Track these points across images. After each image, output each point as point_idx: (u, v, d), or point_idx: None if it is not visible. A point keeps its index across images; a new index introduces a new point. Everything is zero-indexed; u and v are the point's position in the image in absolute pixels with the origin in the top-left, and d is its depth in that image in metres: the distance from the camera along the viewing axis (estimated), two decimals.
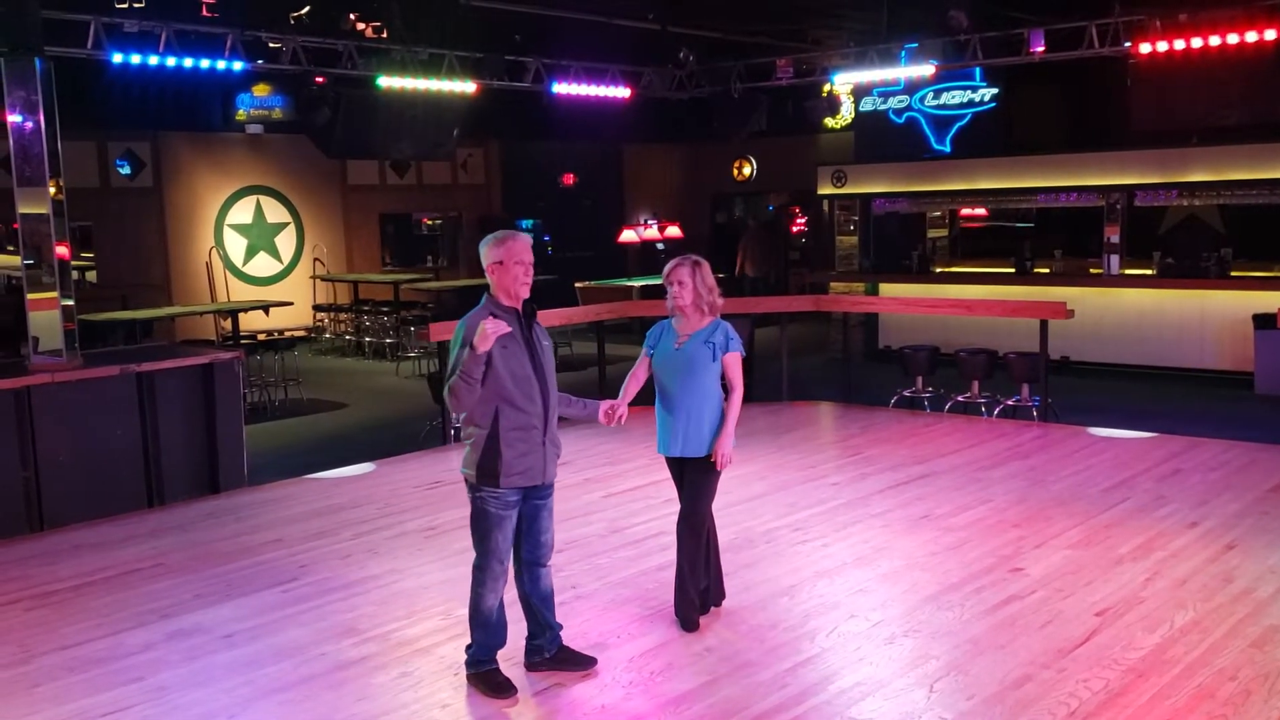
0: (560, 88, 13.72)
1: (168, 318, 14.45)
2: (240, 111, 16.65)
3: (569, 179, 20.94)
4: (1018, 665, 4.85)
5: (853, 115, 16.52)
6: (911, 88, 14.72)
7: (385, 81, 12.20)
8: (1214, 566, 6.05)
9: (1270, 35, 10.60)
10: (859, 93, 15.62)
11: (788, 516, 7.25)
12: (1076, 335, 12.37)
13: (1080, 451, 8.86)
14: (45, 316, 8.04)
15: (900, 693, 4.64)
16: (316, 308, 17.62)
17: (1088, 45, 11.72)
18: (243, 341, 13.36)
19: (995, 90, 14.31)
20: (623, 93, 14.39)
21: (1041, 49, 11.94)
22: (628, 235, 19.24)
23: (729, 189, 21.84)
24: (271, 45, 11.69)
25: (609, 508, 7.53)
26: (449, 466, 9.11)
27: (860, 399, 11.39)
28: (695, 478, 5.34)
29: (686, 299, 5.32)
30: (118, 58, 10.42)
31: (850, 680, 4.77)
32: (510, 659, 4.89)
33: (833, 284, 15.40)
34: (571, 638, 5.07)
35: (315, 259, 18.31)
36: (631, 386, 5.41)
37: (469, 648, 4.82)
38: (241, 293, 17.23)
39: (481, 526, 4.68)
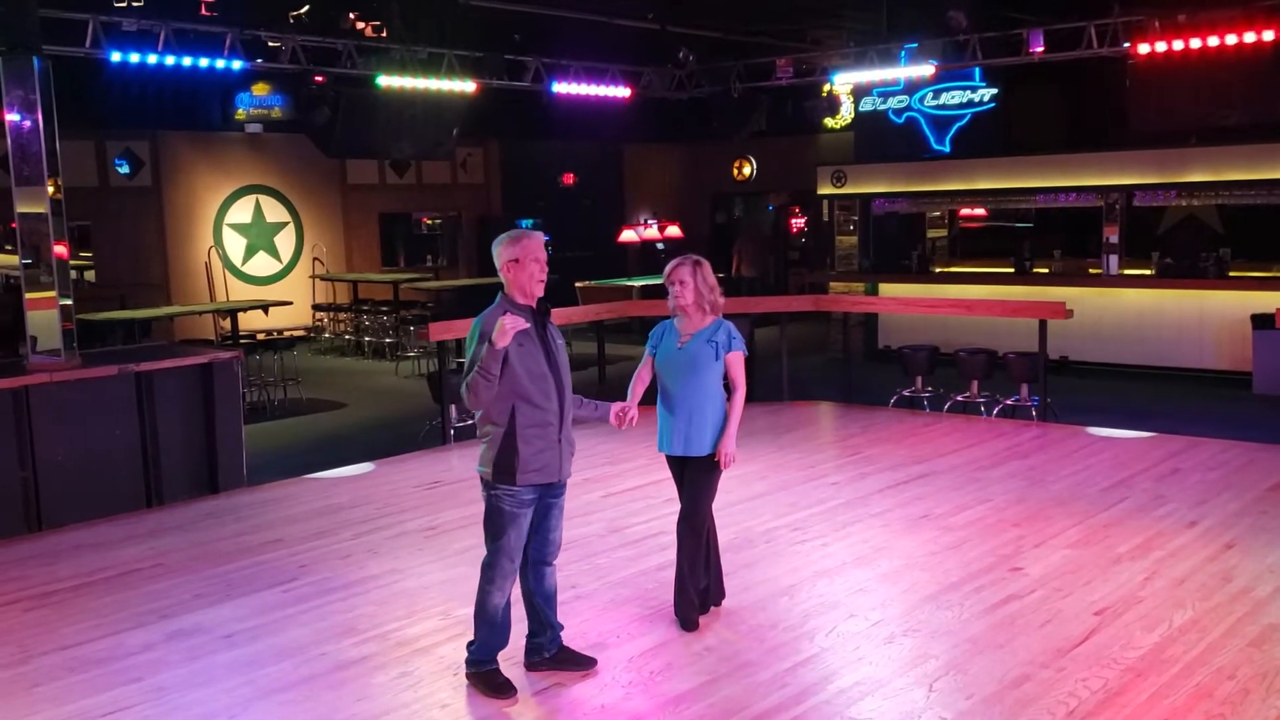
0: (560, 87, 13.72)
1: (166, 317, 14.45)
2: (239, 111, 16.65)
3: (569, 179, 20.94)
4: (1017, 664, 4.86)
5: (852, 115, 16.51)
6: (911, 88, 14.72)
7: (385, 81, 12.20)
8: (1213, 566, 6.06)
9: (1269, 36, 10.61)
10: (859, 93, 15.62)
11: (787, 516, 7.25)
12: (1075, 335, 12.38)
13: (1079, 451, 8.86)
14: (43, 316, 8.03)
15: (899, 692, 4.64)
16: (316, 307, 17.62)
17: (1087, 45, 11.73)
18: (242, 341, 13.37)
19: (994, 90, 14.32)
20: (622, 92, 14.38)
21: (1041, 49, 11.94)
22: (628, 235, 19.24)
23: (729, 189, 21.85)
24: (271, 44, 11.68)
25: (609, 507, 7.53)
26: (448, 466, 9.11)
27: (860, 399, 11.40)
28: (697, 477, 5.34)
29: (688, 298, 5.33)
30: (116, 56, 10.40)
31: (850, 680, 4.77)
32: (510, 659, 4.89)
33: (832, 284, 15.41)
34: (571, 637, 5.07)
35: (314, 258, 18.31)
36: (637, 388, 5.41)
37: (471, 645, 4.82)
38: (241, 292, 17.22)
39: (496, 524, 4.68)
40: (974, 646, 5.07)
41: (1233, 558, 6.18)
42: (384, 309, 16.48)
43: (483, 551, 4.76)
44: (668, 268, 5.42)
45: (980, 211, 15.82)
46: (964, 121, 14.67)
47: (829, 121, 17.66)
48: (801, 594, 5.82)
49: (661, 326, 5.52)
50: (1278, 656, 4.89)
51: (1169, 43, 11.05)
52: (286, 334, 15.04)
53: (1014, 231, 15.74)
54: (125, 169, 16.47)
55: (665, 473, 5.62)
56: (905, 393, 11.04)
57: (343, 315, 17.37)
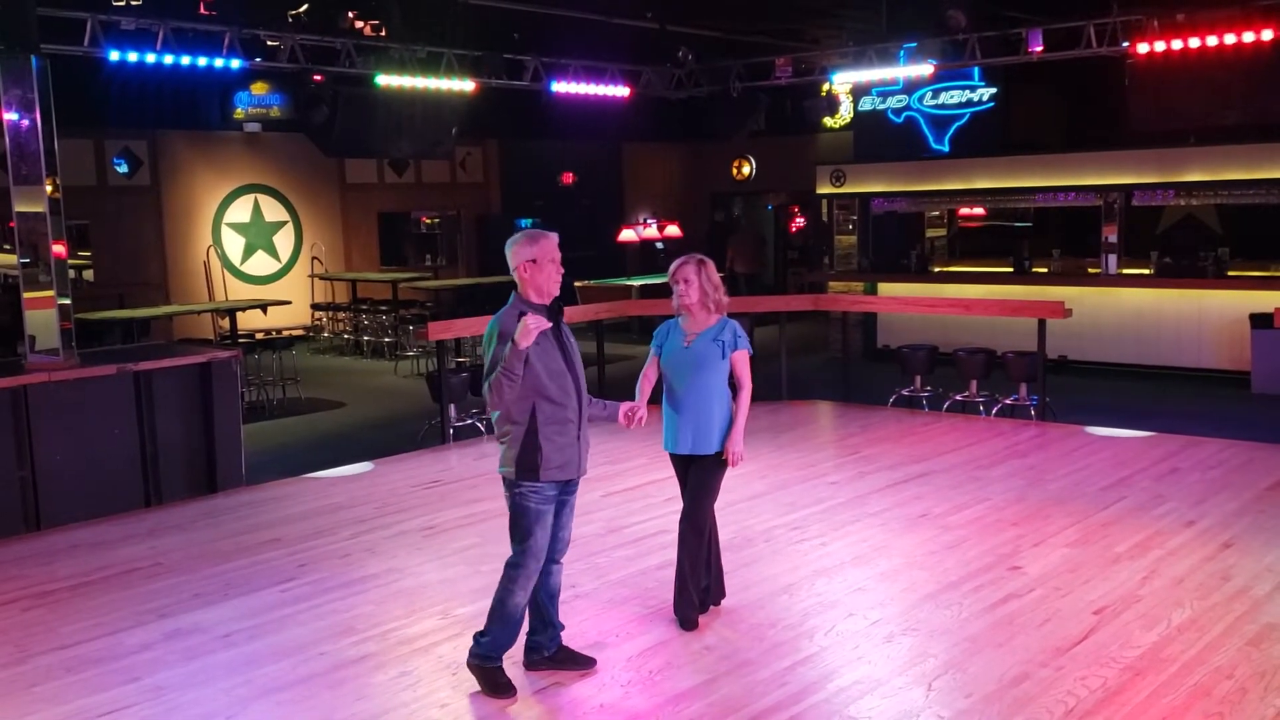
0: (559, 86, 13.72)
1: (165, 317, 14.43)
2: (238, 110, 16.64)
3: (568, 178, 20.93)
4: (1016, 663, 4.86)
5: (851, 115, 16.51)
6: (910, 87, 14.72)
7: (384, 80, 12.19)
8: (1211, 565, 6.06)
9: (1268, 35, 10.61)
10: (858, 92, 15.62)
11: (787, 515, 7.25)
12: (1074, 334, 12.38)
13: (1078, 450, 8.86)
14: (42, 315, 8.02)
15: (899, 691, 4.64)
16: (315, 306, 17.60)
17: (1086, 45, 11.73)
18: (240, 340, 13.35)
19: (994, 90, 14.32)
20: (622, 92, 14.38)
21: (1040, 49, 11.94)
22: (627, 234, 19.24)
23: (728, 188, 21.85)
24: (270, 43, 11.67)
25: (608, 507, 7.53)
26: (447, 466, 9.12)
27: (859, 398, 11.40)
28: (702, 475, 5.34)
29: (693, 297, 5.34)
30: (115, 55, 10.38)
31: (849, 678, 4.78)
32: (510, 659, 4.87)
33: (831, 283, 15.40)
34: (571, 637, 5.07)
35: (313, 258, 18.29)
36: (645, 387, 5.41)
37: (480, 638, 4.79)
38: (239, 291, 17.21)
39: (523, 524, 4.69)
40: (973, 645, 5.07)
41: (1231, 557, 6.19)
42: (383, 308, 16.47)
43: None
44: (672, 266, 5.44)
45: (979, 211, 15.82)
46: (963, 121, 14.68)
47: (828, 121, 17.67)
48: (801, 593, 5.82)
49: (666, 325, 5.52)
50: (1276, 655, 4.89)
51: (1168, 42, 11.05)
52: (285, 333, 15.01)
53: (1013, 231, 15.75)
54: (124, 168, 16.45)
55: (665, 472, 5.62)
56: (904, 392, 11.04)
57: (341, 315, 17.35)
